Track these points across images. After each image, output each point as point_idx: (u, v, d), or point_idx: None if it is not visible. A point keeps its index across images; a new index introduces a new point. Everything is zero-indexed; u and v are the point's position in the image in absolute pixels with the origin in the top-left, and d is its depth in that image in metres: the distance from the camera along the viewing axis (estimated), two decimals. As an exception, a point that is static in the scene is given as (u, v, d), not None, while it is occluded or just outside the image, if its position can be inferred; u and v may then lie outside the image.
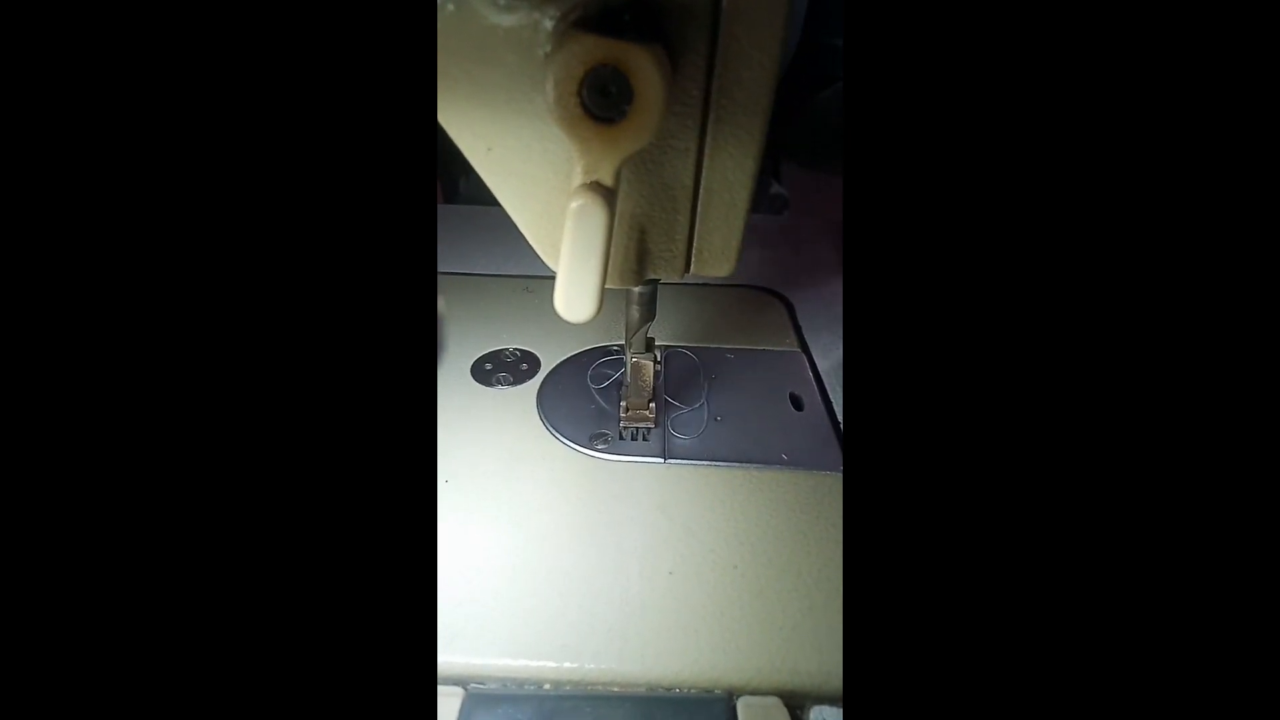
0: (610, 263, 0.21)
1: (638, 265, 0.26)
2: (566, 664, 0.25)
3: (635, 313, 0.31)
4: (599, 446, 0.34)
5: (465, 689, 0.24)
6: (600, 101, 0.19)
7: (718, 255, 0.26)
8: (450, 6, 0.20)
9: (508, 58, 0.20)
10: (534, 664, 0.25)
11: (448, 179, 0.67)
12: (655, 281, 0.29)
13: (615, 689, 0.25)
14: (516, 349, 0.41)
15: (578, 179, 0.20)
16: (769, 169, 0.68)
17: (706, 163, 0.23)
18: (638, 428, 0.35)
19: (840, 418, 0.37)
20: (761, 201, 0.65)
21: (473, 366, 0.40)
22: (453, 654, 0.25)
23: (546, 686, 0.25)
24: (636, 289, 0.30)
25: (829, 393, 0.39)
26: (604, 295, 0.21)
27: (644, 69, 0.18)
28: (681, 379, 0.39)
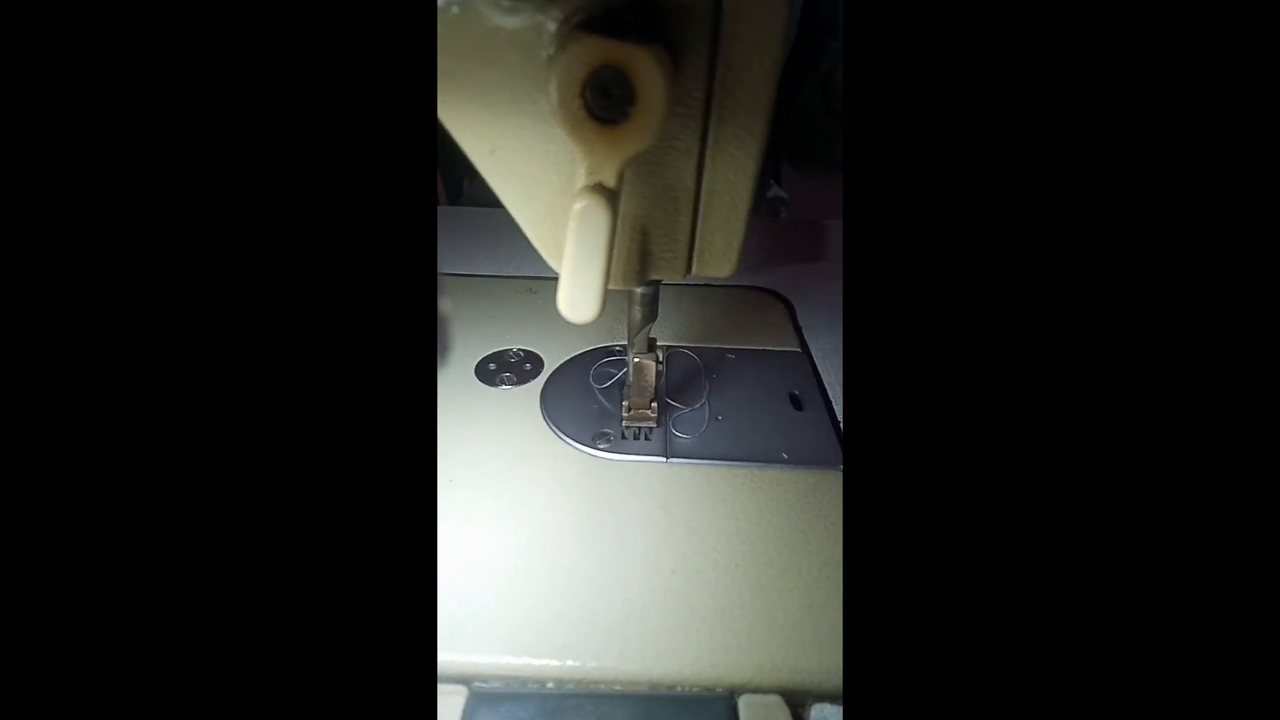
0: (613, 264, 0.21)
1: (640, 266, 0.26)
2: (569, 662, 0.25)
3: (637, 313, 0.31)
4: (601, 446, 0.34)
5: (469, 687, 0.25)
6: (603, 103, 0.19)
7: (719, 256, 0.26)
8: (454, 8, 0.20)
9: (511, 59, 0.21)
10: (536, 662, 0.25)
11: (451, 181, 0.68)
12: (657, 282, 0.30)
13: (617, 687, 0.25)
14: (520, 349, 0.41)
15: (580, 180, 0.20)
16: (768, 171, 0.68)
17: (708, 164, 0.23)
18: (640, 427, 0.35)
19: (840, 417, 0.37)
20: (760, 203, 0.65)
21: (477, 366, 0.40)
22: (456, 652, 0.25)
23: (549, 685, 0.25)
24: (639, 290, 0.30)
25: (828, 392, 0.39)
26: (607, 296, 0.22)
27: (646, 70, 0.18)
28: (683, 379, 0.39)
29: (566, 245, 0.20)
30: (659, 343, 0.35)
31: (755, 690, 0.25)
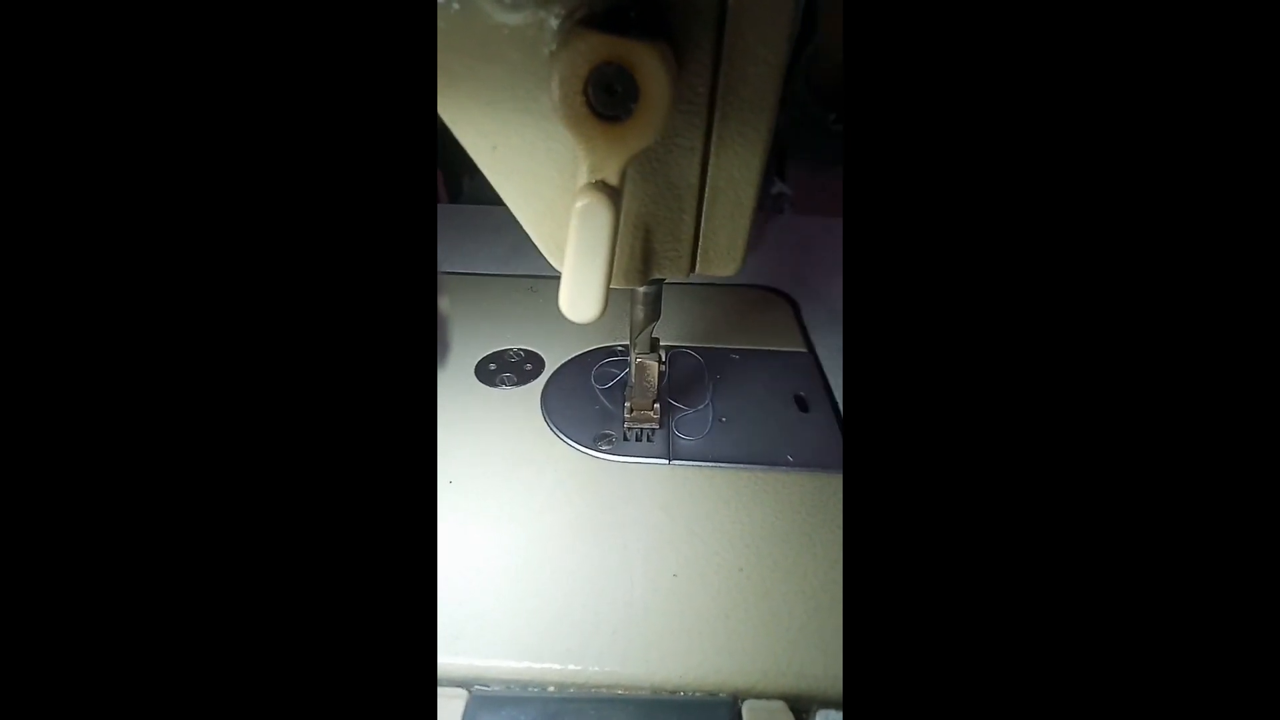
0: (615, 262, 0.21)
1: (643, 265, 0.26)
2: (570, 666, 0.25)
3: (640, 313, 0.31)
4: (603, 447, 0.34)
5: (469, 691, 0.24)
6: (605, 100, 0.19)
7: (723, 255, 0.26)
8: (455, 5, 0.20)
9: (513, 56, 0.20)
10: (538, 666, 0.25)
11: (452, 179, 0.67)
12: (660, 281, 0.29)
13: (619, 691, 0.25)
14: (520, 349, 0.41)
15: (583, 178, 0.20)
16: (772, 168, 0.68)
17: (712, 161, 0.23)
18: (642, 428, 0.35)
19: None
20: (764, 200, 0.65)
21: (476, 366, 0.40)
22: (457, 656, 0.25)
23: (550, 689, 0.25)
24: (641, 289, 0.29)
25: (834, 394, 0.38)
26: (609, 295, 0.21)
27: (649, 67, 0.18)
28: (686, 380, 0.39)
29: (568, 244, 0.20)
30: (662, 343, 0.34)
31: (759, 695, 0.25)
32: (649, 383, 0.34)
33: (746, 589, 0.27)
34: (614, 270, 0.21)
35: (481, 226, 0.55)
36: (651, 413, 0.35)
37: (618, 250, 0.22)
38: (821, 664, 0.25)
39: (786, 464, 0.33)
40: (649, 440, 0.35)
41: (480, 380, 0.39)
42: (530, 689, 0.25)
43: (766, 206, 0.64)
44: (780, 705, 0.24)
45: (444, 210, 0.59)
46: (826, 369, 0.41)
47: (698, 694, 0.25)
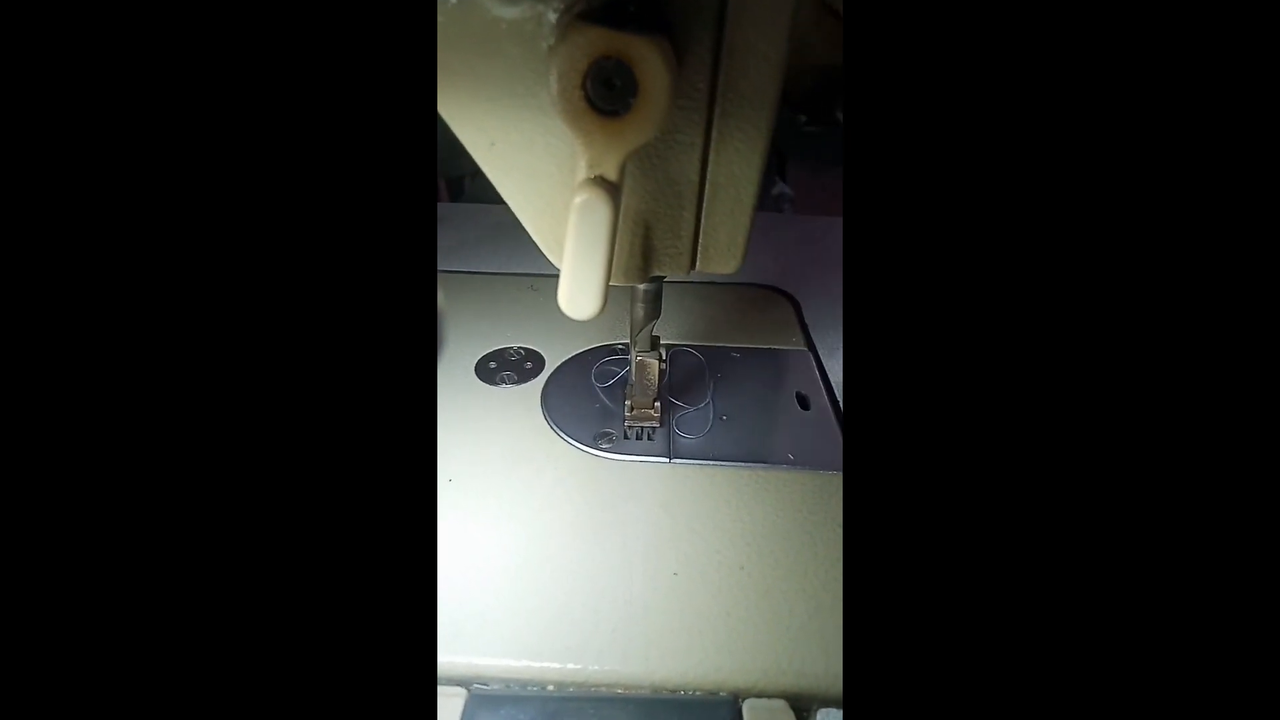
0: (615, 259, 0.21)
1: (643, 262, 0.26)
2: (570, 665, 0.25)
3: (640, 310, 0.30)
4: (603, 445, 0.34)
5: (468, 689, 0.24)
6: (604, 94, 0.18)
7: (724, 252, 0.26)
8: (452, 0, 0.20)
9: (511, 51, 0.20)
10: (537, 665, 0.25)
11: (454, 181, 0.67)
12: (660, 279, 0.29)
13: (619, 691, 0.25)
14: (521, 347, 0.41)
15: (582, 173, 0.20)
16: (773, 167, 0.68)
17: (712, 157, 0.23)
18: (642, 427, 0.35)
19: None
20: (765, 200, 0.65)
21: (477, 365, 0.40)
22: (455, 654, 0.25)
23: (550, 688, 0.25)
24: (641, 286, 0.29)
25: (835, 392, 0.38)
26: (608, 292, 0.21)
27: (649, 61, 0.18)
28: (687, 378, 0.39)
29: (567, 240, 0.20)
30: (662, 341, 0.34)
31: (760, 694, 0.24)
32: (649, 381, 0.34)
33: (747, 587, 0.27)
34: (614, 267, 0.21)
35: (482, 225, 0.55)
36: (652, 411, 0.35)
37: (617, 247, 0.22)
38: (823, 663, 0.25)
39: (787, 462, 0.33)
40: (649, 438, 0.35)
41: (480, 379, 0.39)
42: (529, 688, 0.25)
43: (768, 207, 0.64)
44: (781, 704, 0.24)
45: (445, 209, 0.59)
46: (827, 367, 0.40)
47: (698, 693, 0.25)
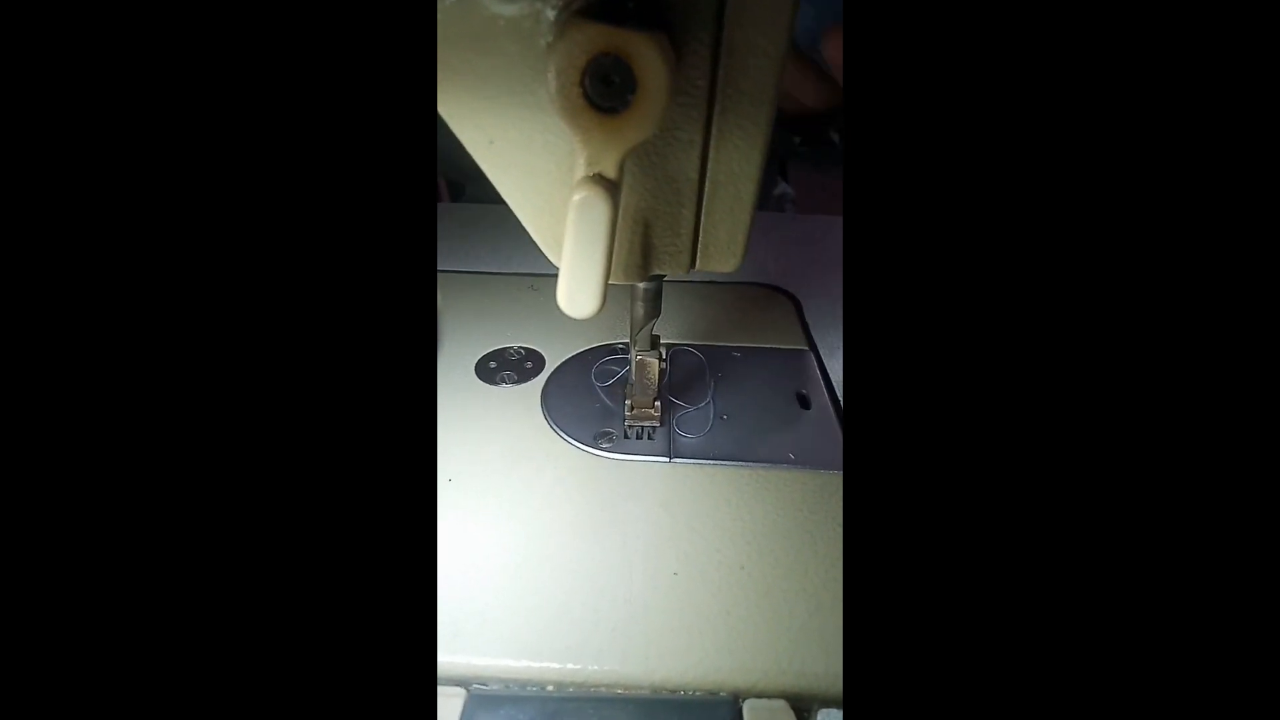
0: (614, 258, 0.21)
1: (642, 260, 0.26)
2: (569, 665, 0.25)
3: (640, 310, 0.30)
4: (603, 445, 0.34)
5: (467, 690, 0.24)
6: (603, 91, 0.18)
7: (724, 250, 0.26)
8: (450, -4, 0.19)
9: (509, 48, 0.20)
10: (537, 665, 0.25)
11: (454, 183, 0.67)
12: (660, 278, 0.29)
13: (619, 691, 0.24)
14: (521, 347, 0.41)
15: (580, 171, 0.20)
16: (775, 168, 0.67)
17: (712, 155, 0.23)
18: (643, 426, 0.35)
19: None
20: (767, 200, 0.65)
21: (477, 364, 0.39)
22: (455, 654, 0.25)
23: (549, 688, 0.25)
24: (641, 285, 0.29)
25: (836, 391, 0.38)
26: (607, 290, 0.21)
27: (647, 57, 0.18)
28: (687, 377, 0.39)
29: (566, 237, 0.20)
30: (662, 340, 0.34)
31: (760, 695, 0.24)
32: (650, 380, 0.34)
33: (748, 587, 0.27)
34: (613, 266, 0.21)
35: (482, 225, 0.55)
36: (652, 410, 0.35)
37: (617, 246, 0.22)
38: (823, 662, 0.25)
39: (788, 462, 0.33)
40: (650, 438, 0.34)
41: (480, 378, 0.39)
42: (529, 688, 0.25)
43: (770, 207, 0.64)
44: (782, 704, 0.24)
45: (445, 209, 0.59)
46: (829, 367, 0.40)
47: (698, 693, 0.25)
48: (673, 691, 0.25)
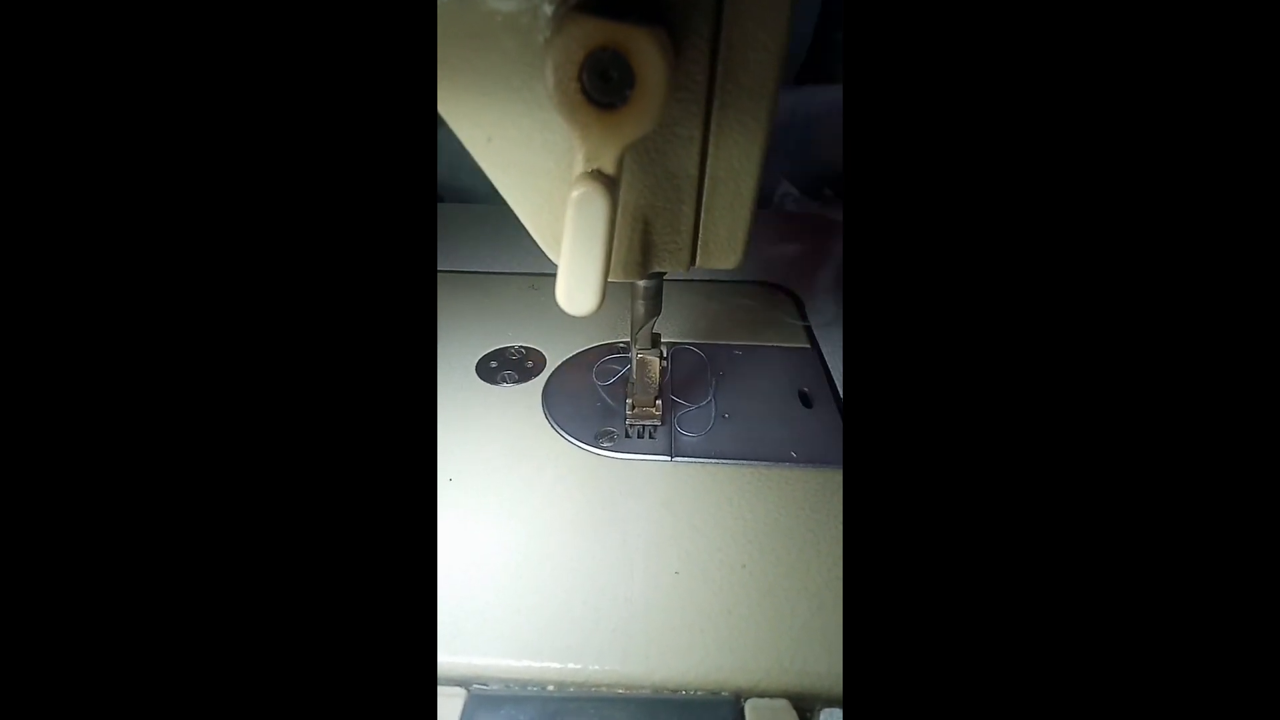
0: (614, 255, 0.21)
1: (642, 258, 0.26)
2: (570, 665, 0.24)
3: (640, 308, 0.30)
4: (604, 444, 0.34)
5: (468, 690, 0.24)
6: (601, 86, 0.18)
7: (724, 247, 0.26)
8: (448, -8, 0.19)
9: (507, 44, 0.20)
10: (537, 665, 0.24)
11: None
12: (660, 276, 0.29)
13: (620, 690, 0.24)
14: (521, 346, 0.41)
15: (579, 167, 0.19)
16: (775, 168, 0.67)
17: (711, 150, 0.23)
18: (644, 425, 0.35)
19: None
20: (769, 199, 0.64)
21: (478, 364, 0.39)
22: (455, 654, 0.25)
23: (550, 688, 0.24)
24: (641, 283, 0.29)
25: (838, 389, 0.38)
26: (607, 287, 0.21)
27: (646, 52, 0.18)
28: (688, 376, 0.39)
29: (565, 234, 0.20)
30: (663, 339, 0.34)
31: (762, 694, 0.24)
32: (651, 379, 0.34)
33: (749, 586, 0.27)
34: (613, 263, 0.21)
35: (482, 225, 0.55)
36: (653, 409, 0.35)
37: (616, 243, 0.22)
38: (825, 662, 0.25)
39: (790, 460, 0.33)
40: (651, 437, 0.34)
41: (481, 378, 0.38)
42: (529, 688, 0.24)
43: (771, 206, 0.64)
44: (784, 704, 0.24)
45: (445, 209, 0.59)
46: (830, 365, 0.40)
47: (700, 693, 0.24)
48: (674, 691, 0.24)
